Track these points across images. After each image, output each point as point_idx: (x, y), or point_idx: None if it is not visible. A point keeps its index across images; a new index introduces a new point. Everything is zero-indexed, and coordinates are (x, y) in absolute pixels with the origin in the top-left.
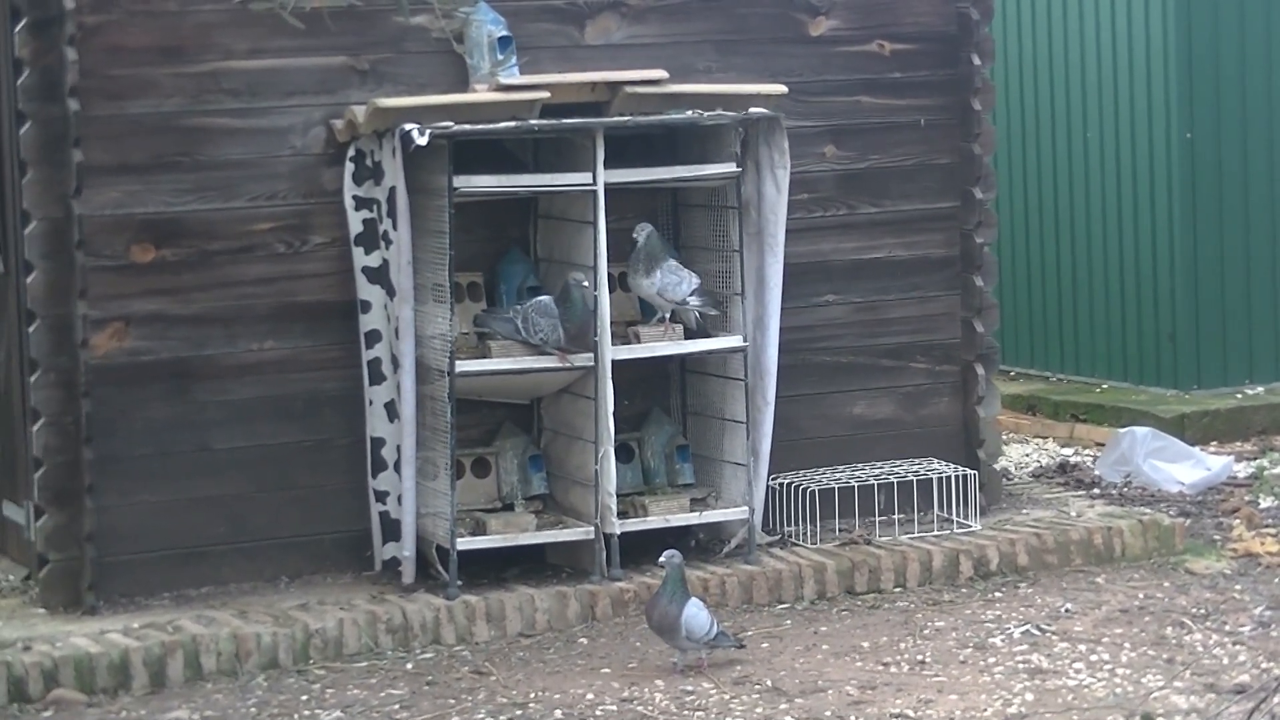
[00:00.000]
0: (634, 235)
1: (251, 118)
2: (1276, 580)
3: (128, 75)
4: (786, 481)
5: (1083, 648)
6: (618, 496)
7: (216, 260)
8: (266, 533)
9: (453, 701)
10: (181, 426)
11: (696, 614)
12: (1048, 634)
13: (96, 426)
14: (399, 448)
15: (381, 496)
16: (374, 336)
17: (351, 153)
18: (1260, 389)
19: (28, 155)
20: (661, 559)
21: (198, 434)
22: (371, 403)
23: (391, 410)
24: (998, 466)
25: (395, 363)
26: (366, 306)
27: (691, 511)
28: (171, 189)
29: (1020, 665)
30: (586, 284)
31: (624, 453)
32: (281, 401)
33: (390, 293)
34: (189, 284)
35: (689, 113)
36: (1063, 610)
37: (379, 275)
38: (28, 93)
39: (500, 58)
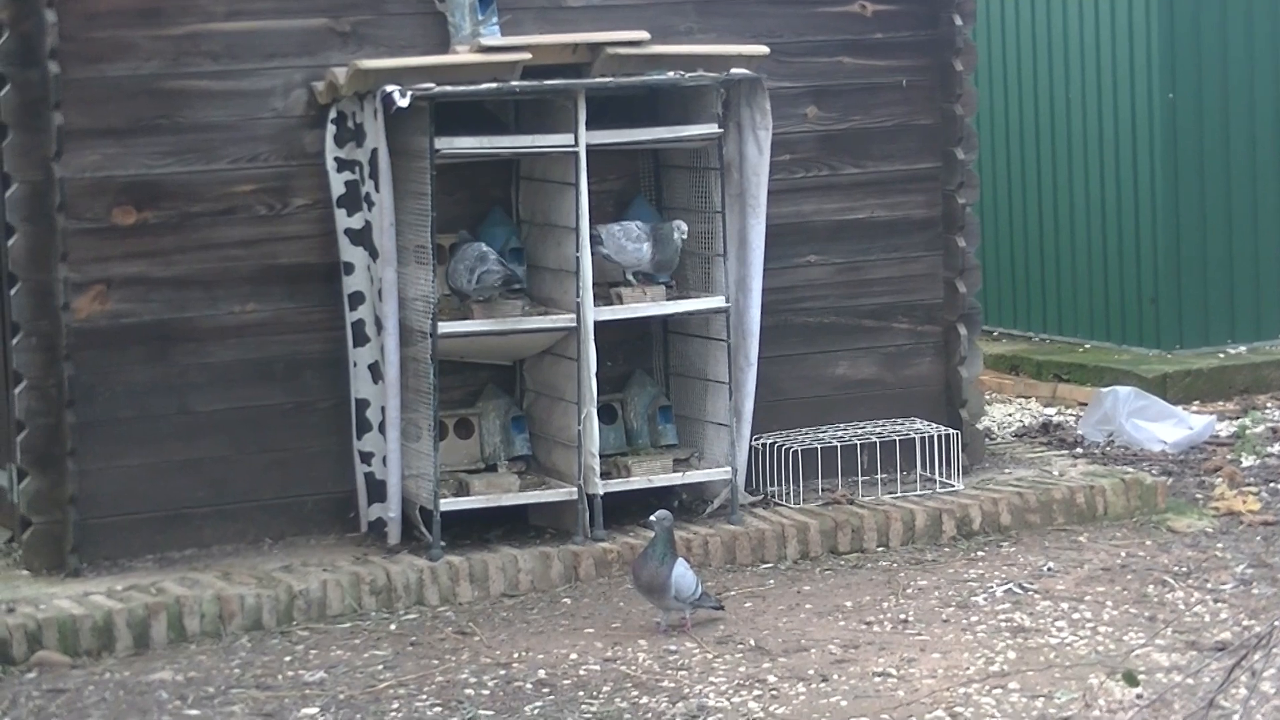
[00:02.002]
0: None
1: (231, 80)
2: (1258, 538)
3: (107, 38)
4: (769, 442)
5: (1065, 606)
6: (601, 457)
7: (198, 223)
8: (249, 495)
9: (436, 662)
10: (163, 389)
11: (684, 574)
12: (1030, 592)
13: (78, 390)
14: (383, 409)
15: (366, 458)
16: (357, 298)
17: (333, 115)
18: (1242, 348)
19: (7, 119)
20: (652, 518)
21: (180, 397)
22: (355, 365)
23: (375, 372)
24: (980, 426)
25: (379, 325)
26: (349, 268)
27: (675, 472)
28: (152, 151)
29: (1003, 624)
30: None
31: (607, 414)
32: (263, 364)
33: (373, 254)
34: (170, 246)
35: (670, 74)
36: (1045, 569)
37: (361, 237)
38: (7, 56)
39: (481, 18)
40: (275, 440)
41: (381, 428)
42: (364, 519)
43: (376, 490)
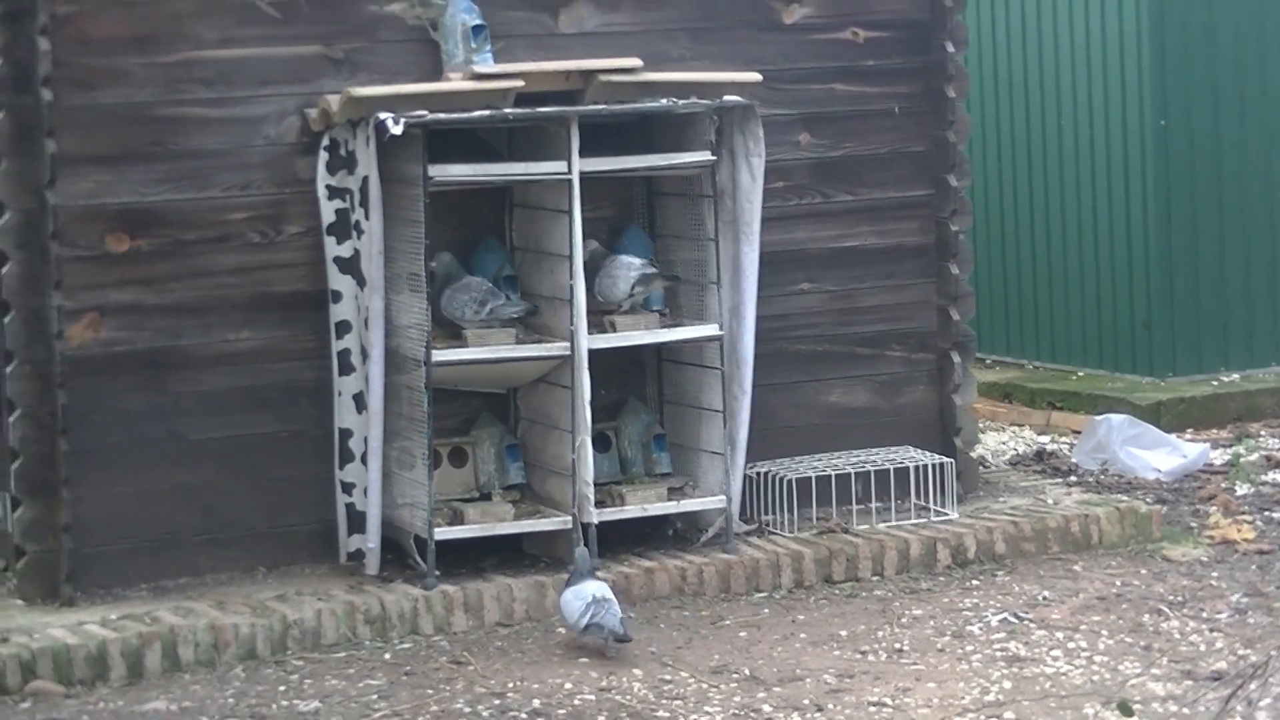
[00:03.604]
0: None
1: (225, 107)
2: (1253, 567)
3: (100, 65)
4: (764, 470)
5: (1060, 635)
6: (595, 486)
7: (191, 250)
8: (243, 523)
9: (431, 691)
10: (157, 417)
11: (569, 601)
12: (1025, 622)
13: (72, 417)
14: (366, 439)
15: (348, 488)
16: (344, 327)
17: (325, 142)
18: (1236, 375)
19: (1, 146)
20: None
21: (173, 424)
22: (340, 394)
23: (360, 401)
24: (974, 454)
25: (365, 353)
26: (337, 296)
27: (669, 500)
28: (145, 179)
29: (998, 653)
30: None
31: (601, 442)
32: (256, 392)
33: (360, 283)
34: (164, 274)
35: (663, 101)
36: (1040, 598)
37: (350, 265)
38: (0, 83)
39: (474, 46)
40: (269, 468)
41: (364, 458)
42: (343, 549)
43: (357, 521)
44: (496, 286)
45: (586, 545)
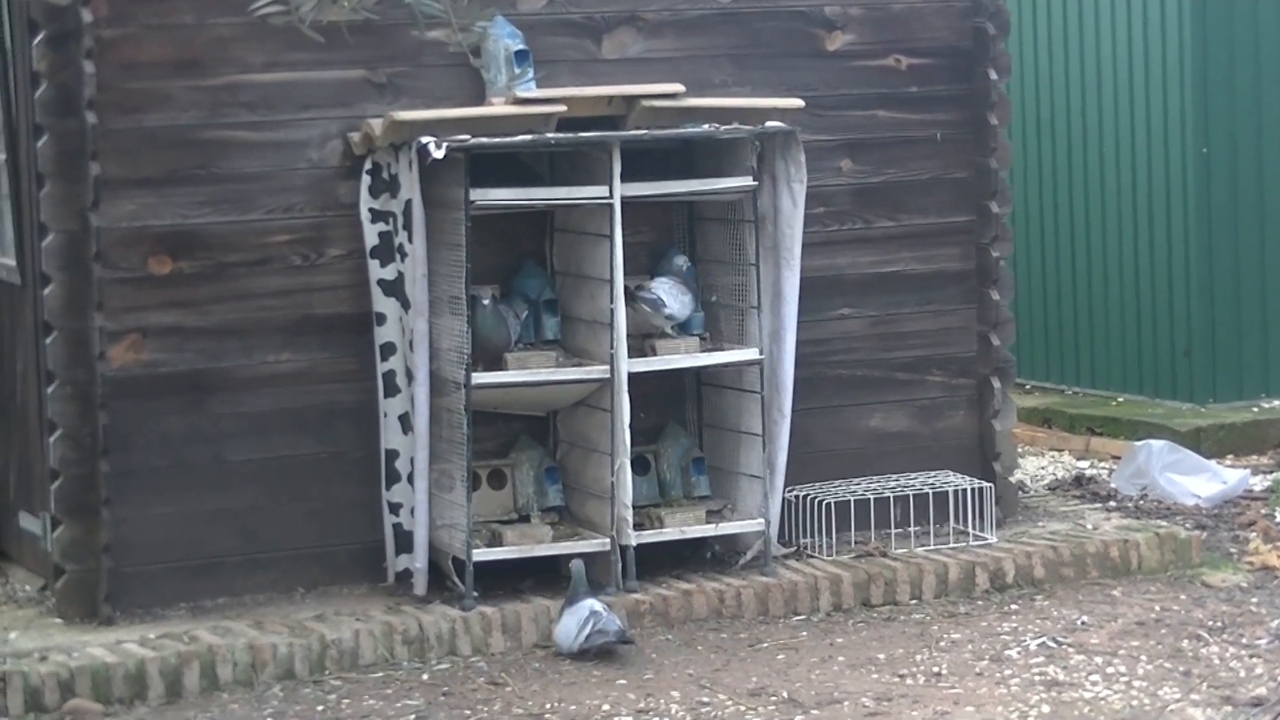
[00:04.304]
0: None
1: (268, 130)
2: None
3: (144, 89)
4: (802, 494)
5: (1099, 660)
6: (634, 508)
7: (233, 272)
8: (282, 544)
9: (468, 712)
10: (197, 439)
11: (565, 623)
12: (1064, 646)
13: (113, 439)
14: (412, 460)
15: (395, 509)
16: (389, 349)
17: (368, 166)
18: (1276, 402)
19: (45, 168)
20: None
21: (213, 446)
22: (386, 415)
23: (406, 423)
24: (1013, 479)
25: (410, 375)
26: (381, 319)
27: (708, 523)
28: (188, 201)
29: (1036, 677)
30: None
31: (640, 465)
32: (297, 414)
33: (405, 305)
34: (205, 296)
35: (705, 126)
36: (1079, 623)
37: (394, 288)
38: (45, 106)
39: (517, 71)
40: (308, 490)
41: (410, 479)
42: (391, 569)
43: (404, 541)
44: (538, 310)
45: (625, 567)
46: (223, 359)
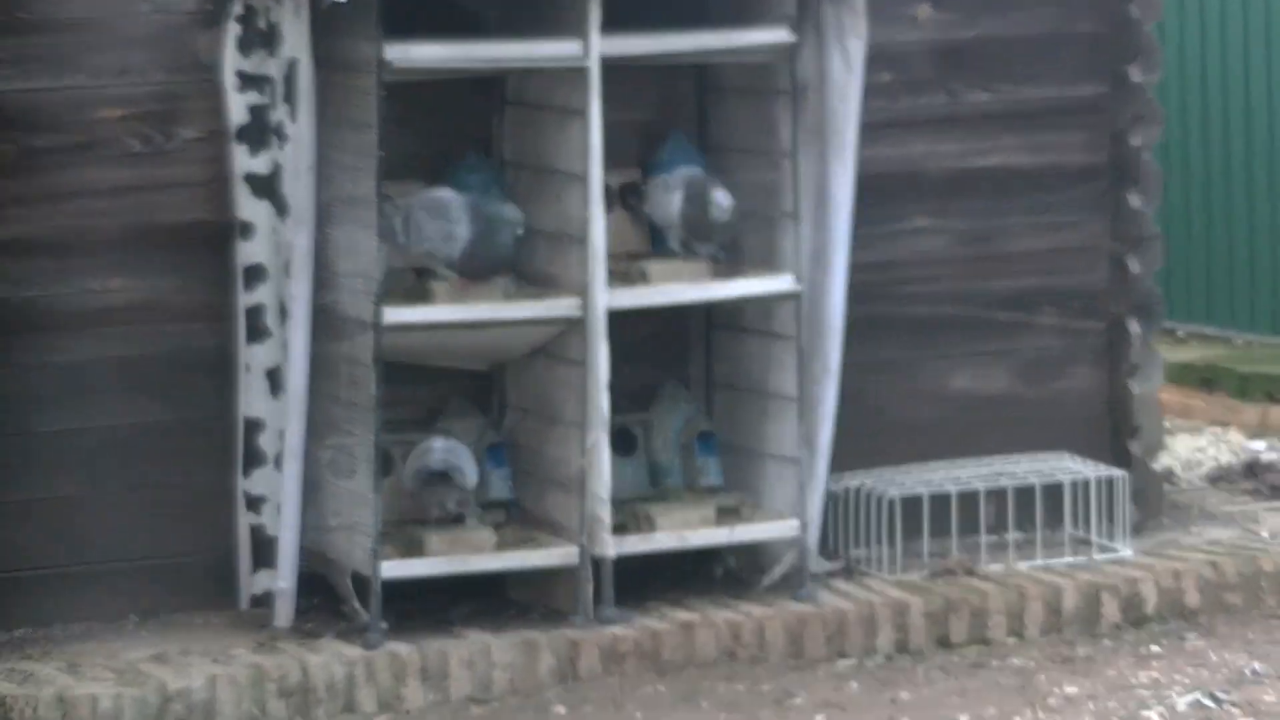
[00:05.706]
0: None
1: None
2: None
3: None
4: (855, 485)
5: None
6: (614, 504)
7: (43, 162)
8: (108, 552)
9: None
10: None
11: None
12: (1226, 705)
13: None
14: (282, 433)
15: (255, 504)
16: (256, 273)
17: (237, 11)
18: None
19: None
20: None
21: (15, 412)
22: (249, 369)
23: (275, 380)
24: (1158, 466)
25: (284, 312)
26: (248, 230)
27: (718, 526)
28: None
29: None
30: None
31: (624, 442)
32: (134, 365)
33: (281, 210)
34: (4, 196)
35: None
36: (1249, 672)
37: (267, 185)
38: None
39: None
40: (147, 475)
41: (278, 461)
42: (245, 590)
43: (265, 550)
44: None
45: (600, 588)
46: (27, 286)
